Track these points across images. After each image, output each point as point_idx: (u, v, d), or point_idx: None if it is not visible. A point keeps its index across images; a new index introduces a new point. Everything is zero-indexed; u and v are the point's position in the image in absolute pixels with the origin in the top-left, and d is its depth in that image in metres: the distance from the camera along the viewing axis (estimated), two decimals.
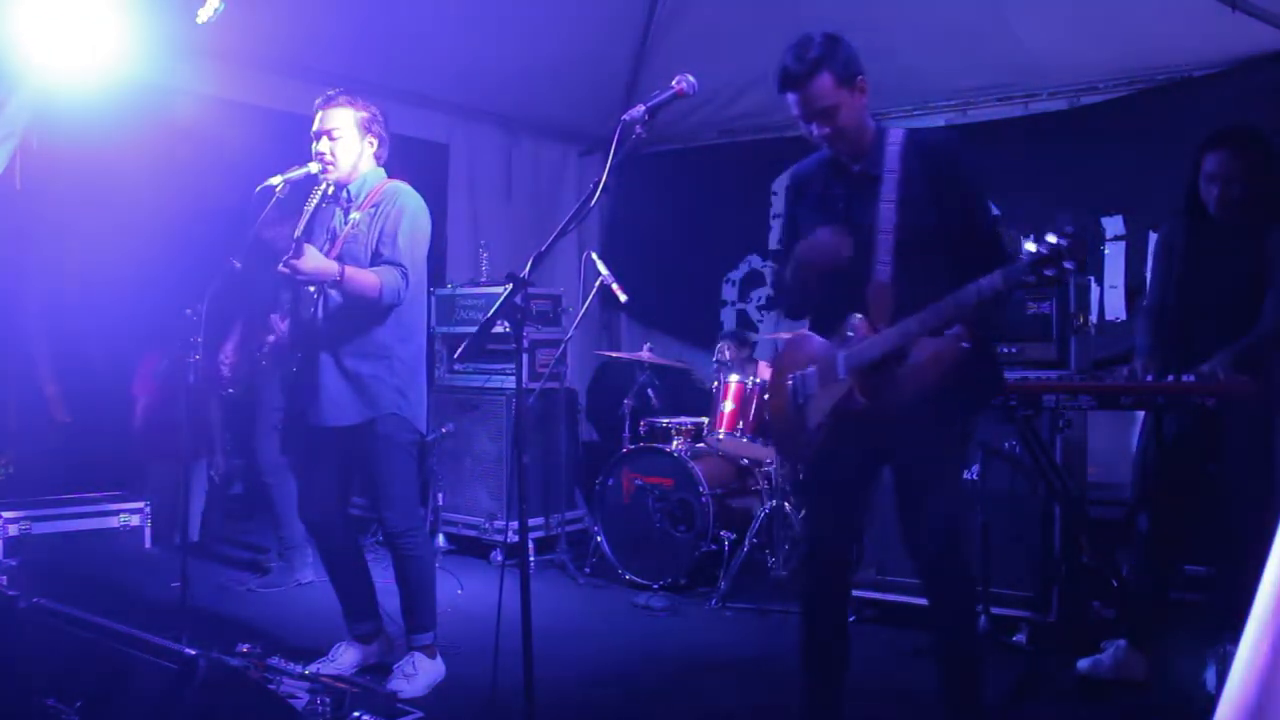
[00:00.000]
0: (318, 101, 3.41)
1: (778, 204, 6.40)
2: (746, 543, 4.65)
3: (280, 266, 3.19)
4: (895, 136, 2.61)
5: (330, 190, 3.40)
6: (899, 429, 2.56)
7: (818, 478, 2.79)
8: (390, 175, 3.50)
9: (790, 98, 2.57)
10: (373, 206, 3.39)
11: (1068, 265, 2.20)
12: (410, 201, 3.40)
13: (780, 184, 6.38)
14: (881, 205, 2.54)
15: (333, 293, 3.34)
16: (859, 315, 2.57)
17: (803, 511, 4.69)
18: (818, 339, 2.71)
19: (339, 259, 3.32)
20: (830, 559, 2.79)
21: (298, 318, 3.48)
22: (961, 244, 2.53)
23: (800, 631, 2.83)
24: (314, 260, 3.19)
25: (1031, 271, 2.24)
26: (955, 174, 2.58)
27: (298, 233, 3.30)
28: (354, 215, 3.39)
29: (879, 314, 2.54)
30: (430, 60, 5.53)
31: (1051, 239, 2.20)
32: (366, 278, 3.26)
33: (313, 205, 3.39)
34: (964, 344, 2.47)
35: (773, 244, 6.42)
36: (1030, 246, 2.23)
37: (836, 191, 2.65)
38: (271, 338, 3.68)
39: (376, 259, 3.33)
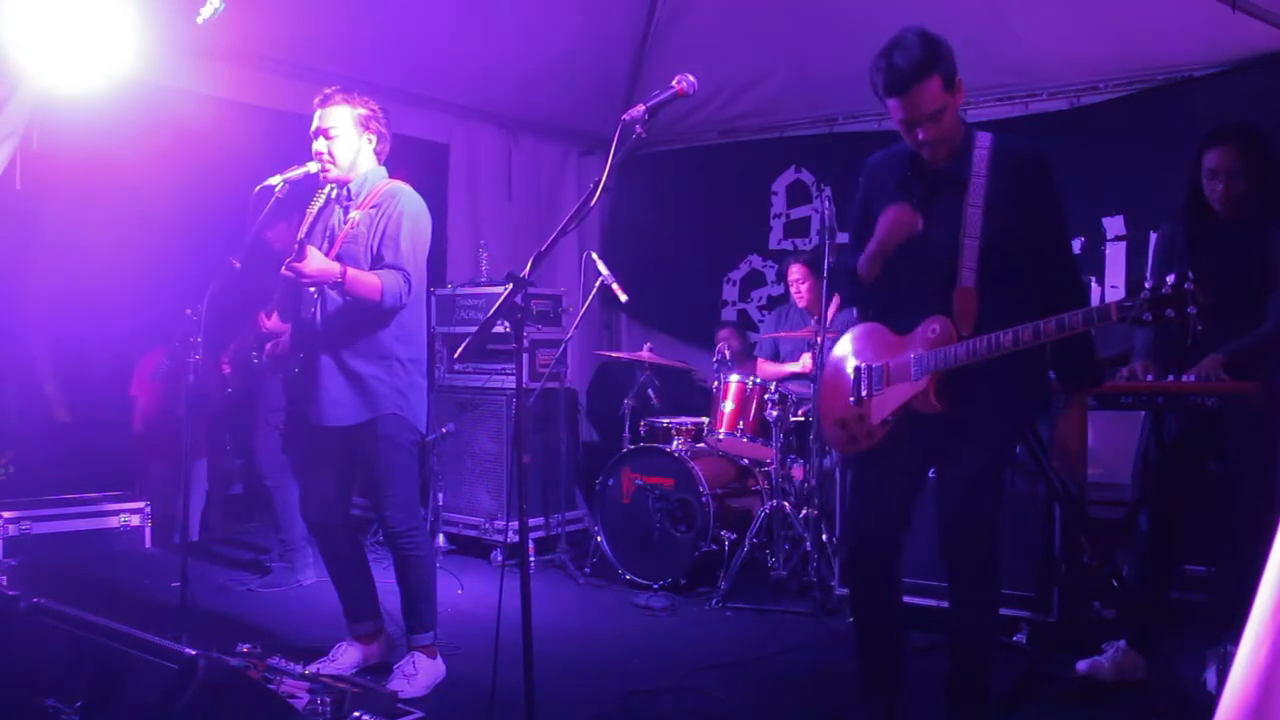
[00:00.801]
0: (315, 100, 3.41)
1: (778, 204, 6.40)
2: (746, 543, 4.65)
3: (284, 270, 3.19)
4: (984, 140, 2.60)
5: (334, 194, 3.40)
6: (959, 435, 2.59)
7: (871, 474, 2.80)
8: (390, 175, 3.50)
9: (892, 103, 2.51)
10: (373, 207, 3.38)
11: (1191, 310, 2.18)
12: (411, 204, 3.39)
13: (780, 184, 6.38)
14: (968, 210, 2.53)
15: (333, 294, 3.34)
16: (943, 318, 2.56)
17: (811, 509, 4.70)
18: (890, 335, 2.70)
19: (338, 259, 3.32)
20: (876, 553, 2.81)
21: (298, 318, 3.48)
22: (1040, 257, 2.56)
23: (855, 627, 2.92)
24: (317, 262, 3.19)
25: (1149, 309, 2.22)
26: (1043, 187, 2.58)
27: (301, 234, 3.30)
28: (353, 214, 3.39)
29: (964, 320, 2.53)
30: (430, 60, 5.53)
31: (1171, 279, 2.20)
32: (368, 279, 3.26)
33: (316, 208, 3.40)
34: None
35: (773, 244, 6.42)
36: (1152, 284, 2.22)
37: (916, 189, 2.62)
38: (270, 344, 3.68)
39: (378, 262, 3.33)
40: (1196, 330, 2.25)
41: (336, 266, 3.21)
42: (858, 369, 2.72)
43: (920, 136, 2.52)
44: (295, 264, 3.16)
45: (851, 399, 2.72)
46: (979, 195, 2.53)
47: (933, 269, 2.58)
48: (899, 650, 2.86)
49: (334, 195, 3.40)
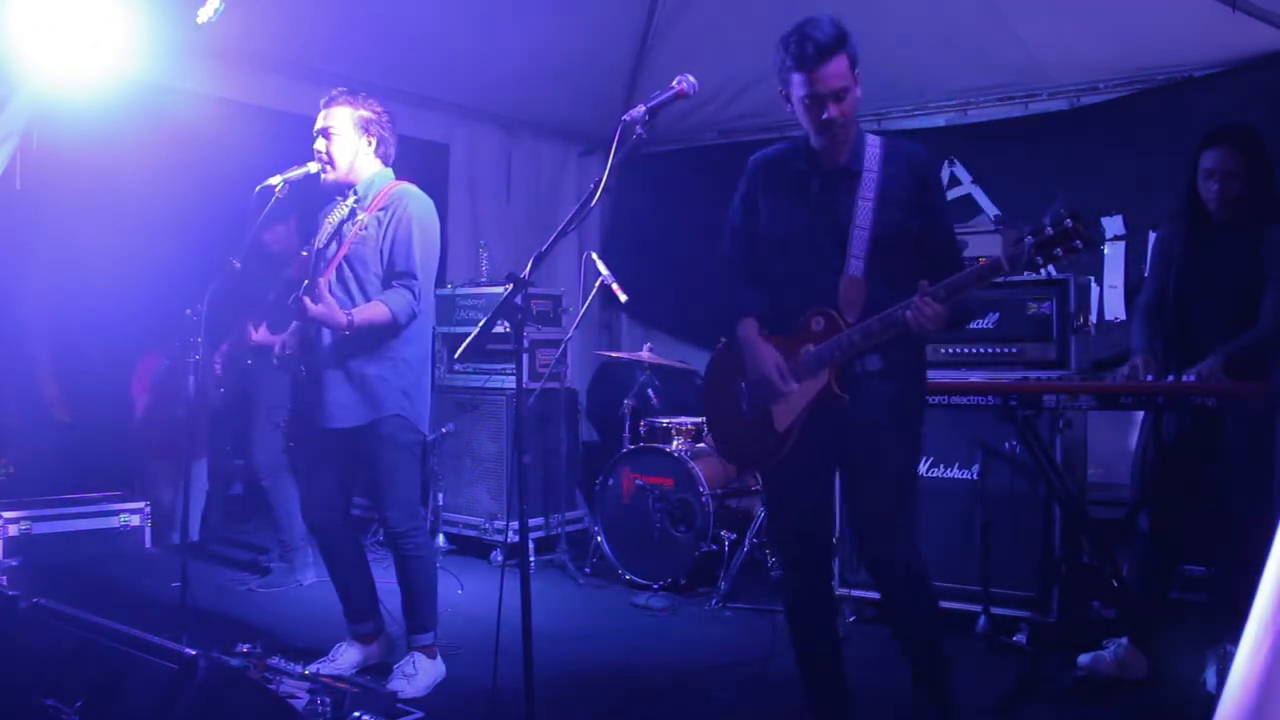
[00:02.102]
0: (321, 101, 3.42)
1: None
2: (746, 543, 4.65)
3: (291, 304, 3.20)
4: (873, 140, 2.62)
5: (347, 212, 3.40)
6: (863, 429, 2.55)
7: (787, 483, 2.72)
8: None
9: (799, 77, 2.47)
10: (381, 209, 3.39)
11: (1078, 244, 2.19)
12: (420, 207, 3.40)
13: None
14: (859, 202, 2.53)
15: (339, 294, 3.34)
16: (826, 310, 2.54)
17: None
18: (771, 339, 2.65)
19: (346, 260, 3.33)
20: (809, 565, 2.76)
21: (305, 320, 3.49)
22: (930, 253, 2.55)
23: (793, 643, 2.81)
24: (325, 310, 3.20)
25: (1040, 252, 2.23)
26: (931, 186, 2.63)
27: (319, 243, 3.32)
28: (361, 216, 3.39)
29: (850, 308, 2.51)
30: (430, 60, 5.53)
31: (1050, 219, 2.21)
32: (376, 313, 3.27)
33: (337, 219, 3.39)
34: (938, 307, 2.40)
35: None
36: (1037, 228, 2.22)
37: (813, 183, 2.62)
38: (279, 345, 3.69)
39: (390, 267, 3.34)
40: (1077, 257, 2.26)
41: (344, 318, 3.22)
42: (745, 381, 2.69)
43: (828, 114, 2.47)
44: (303, 299, 3.18)
45: (748, 412, 2.68)
46: (871, 188, 2.53)
47: (820, 263, 2.57)
48: (840, 674, 2.79)
49: (348, 215, 3.40)
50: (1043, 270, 2.33)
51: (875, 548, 2.66)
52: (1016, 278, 4.17)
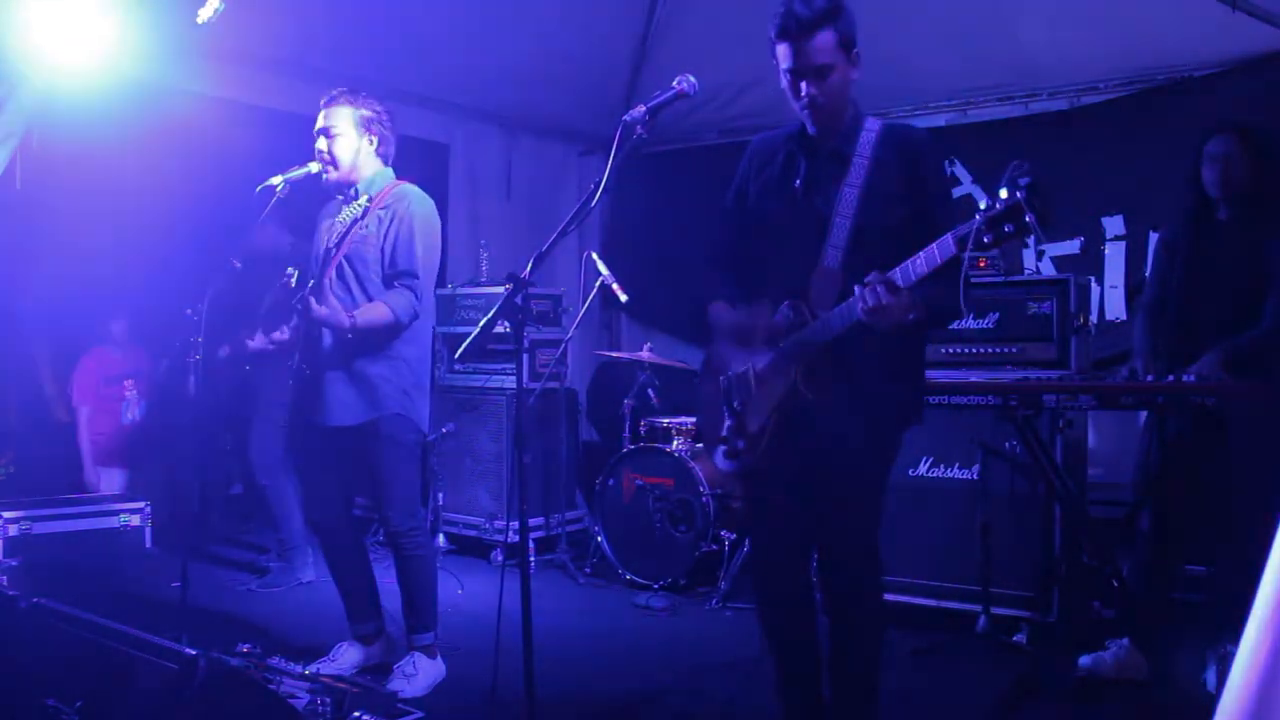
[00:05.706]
0: (321, 101, 3.42)
1: None
2: (746, 543, 4.65)
3: (295, 304, 3.20)
4: (872, 125, 2.47)
5: (360, 212, 3.39)
6: (834, 435, 2.37)
7: (763, 491, 2.59)
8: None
9: (783, 48, 2.37)
10: (381, 208, 3.39)
11: (1029, 219, 1.98)
12: (421, 207, 3.40)
13: None
14: (845, 189, 2.38)
15: (340, 293, 3.34)
16: (794, 302, 2.40)
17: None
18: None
19: (346, 259, 3.34)
20: (788, 582, 2.60)
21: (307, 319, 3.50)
22: (918, 243, 2.22)
23: (771, 655, 2.64)
24: (329, 311, 3.20)
25: (989, 230, 2.03)
26: (923, 170, 2.42)
27: (328, 243, 3.33)
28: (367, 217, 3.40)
29: (822, 301, 2.35)
30: (430, 60, 5.53)
31: (1004, 193, 2.02)
32: (377, 314, 3.28)
33: (349, 217, 3.38)
34: (911, 315, 2.20)
35: None
36: (983, 204, 2.04)
37: (799, 168, 2.50)
38: (273, 346, 3.69)
39: (392, 267, 3.34)
40: (1041, 236, 2.10)
41: (347, 320, 3.22)
42: (723, 378, 2.56)
43: (804, 90, 2.38)
44: (308, 299, 3.18)
45: (726, 413, 2.54)
46: (859, 176, 2.38)
47: (798, 252, 2.42)
48: (819, 685, 2.60)
49: (365, 203, 3.39)
50: (996, 250, 2.13)
51: (834, 566, 2.53)
52: (1017, 277, 4.22)
